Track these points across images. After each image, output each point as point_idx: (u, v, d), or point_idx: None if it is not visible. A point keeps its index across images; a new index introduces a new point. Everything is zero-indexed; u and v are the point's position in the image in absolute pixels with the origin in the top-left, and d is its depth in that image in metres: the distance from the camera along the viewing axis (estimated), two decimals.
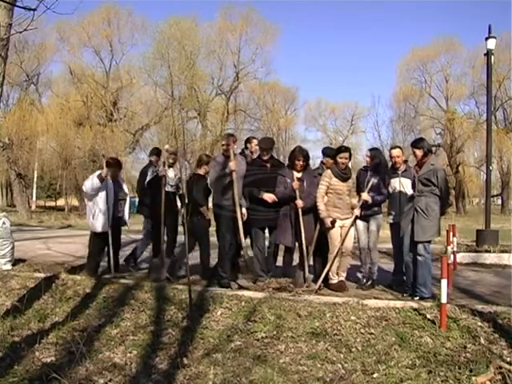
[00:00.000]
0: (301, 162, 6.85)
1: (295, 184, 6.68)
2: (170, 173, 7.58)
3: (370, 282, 6.94)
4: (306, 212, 6.76)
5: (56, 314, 5.27)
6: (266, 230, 7.18)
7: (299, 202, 6.66)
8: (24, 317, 5.16)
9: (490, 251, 10.65)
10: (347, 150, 6.83)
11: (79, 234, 16.90)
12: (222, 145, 6.95)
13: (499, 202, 46.39)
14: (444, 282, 4.87)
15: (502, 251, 10.66)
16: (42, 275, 6.74)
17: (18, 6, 4.59)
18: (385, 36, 79.60)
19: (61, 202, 47.18)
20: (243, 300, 5.57)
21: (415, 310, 5.22)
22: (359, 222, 6.92)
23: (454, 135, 38.96)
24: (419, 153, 6.22)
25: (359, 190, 6.85)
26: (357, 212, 6.64)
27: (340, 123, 52.92)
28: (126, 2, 49.49)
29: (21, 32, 4.60)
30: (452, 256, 8.28)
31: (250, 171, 7.08)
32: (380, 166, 6.91)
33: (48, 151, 35.24)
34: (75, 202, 40.79)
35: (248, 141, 7.74)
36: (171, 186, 7.56)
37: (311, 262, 6.99)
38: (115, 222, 7.37)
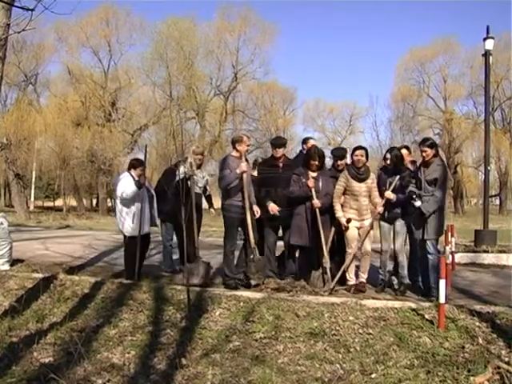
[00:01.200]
0: (316, 163, 6.81)
1: (310, 182, 6.65)
2: (199, 174, 7.56)
3: (402, 287, 6.69)
4: (322, 212, 6.72)
5: (54, 315, 5.26)
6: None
7: (316, 202, 6.63)
8: (22, 317, 5.15)
9: (488, 251, 10.66)
10: (361, 147, 6.82)
11: (77, 234, 16.93)
12: (248, 145, 6.97)
13: (497, 202, 46.48)
14: (442, 283, 4.87)
15: (500, 251, 10.68)
16: (40, 275, 6.73)
17: (16, 6, 4.60)
18: (383, 36, 79.74)
19: (59, 203, 47.08)
20: (242, 300, 5.57)
21: (413, 310, 5.22)
22: (384, 224, 6.79)
23: (452, 135, 39.06)
24: (431, 152, 6.23)
25: (380, 192, 6.69)
26: (379, 209, 6.56)
27: (338, 123, 52.98)
28: (125, 2, 49.41)
29: (19, 32, 4.60)
30: (450, 256, 8.29)
31: (261, 170, 7.22)
32: (400, 166, 6.77)
33: (46, 151, 35.16)
34: (73, 203, 40.76)
35: (305, 141, 7.79)
36: (199, 187, 7.54)
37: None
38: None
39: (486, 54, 12.87)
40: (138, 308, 5.43)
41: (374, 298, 6.01)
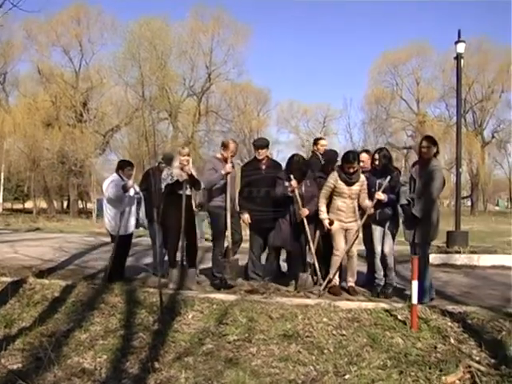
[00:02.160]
0: (297, 172, 6.66)
1: (294, 182, 6.49)
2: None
3: (390, 290, 6.66)
4: (309, 216, 6.67)
5: (23, 319, 5.16)
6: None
7: (304, 211, 6.55)
8: None
9: (459, 252, 10.85)
10: (355, 159, 6.56)
11: (47, 237, 16.68)
12: (233, 150, 7.08)
13: (469, 203, 47.43)
14: (415, 284, 4.92)
15: (472, 252, 10.89)
16: (9, 279, 6.61)
17: None
18: (357, 39, 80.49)
19: (29, 205, 46.44)
20: (215, 303, 5.55)
21: (386, 311, 5.27)
22: (375, 227, 6.71)
23: None
24: (432, 150, 6.11)
25: (369, 194, 6.62)
26: (369, 211, 6.46)
27: (312, 125, 53.50)
28: (96, 1, 48.89)
29: None
30: None
31: (244, 172, 7.25)
32: (389, 167, 6.72)
33: (15, 152, 34.65)
34: (43, 205, 40.16)
35: (315, 142, 7.83)
36: (187, 187, 7.40)
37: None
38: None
39: (458, 58, 13.11)
40: (110, 311, 5.37)
41: (347, 300, 6.05)
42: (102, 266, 8.21)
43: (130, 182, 7.22)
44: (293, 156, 6.96)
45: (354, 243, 6.69)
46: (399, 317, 5.06)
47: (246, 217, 7.04)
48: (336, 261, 6.63)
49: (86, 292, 6.06)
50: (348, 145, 45.72)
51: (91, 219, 30.45)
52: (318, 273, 6.67)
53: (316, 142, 7.80)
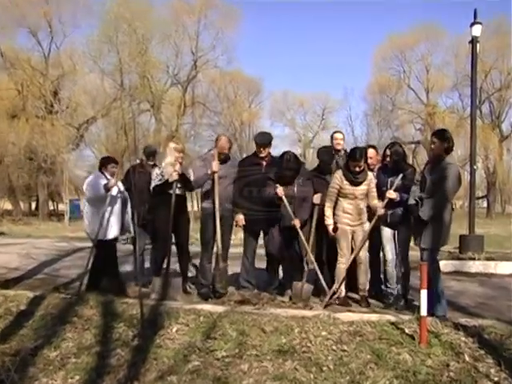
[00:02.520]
0: (288, 172, 6.70)
1: (279, 190, 6.58)
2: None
3: (402, 302, 6.73)
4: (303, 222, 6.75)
5: None
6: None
7: (296, 222, 6.60)
8: None
9: (474, 259, 10.89)
10: (361, 156, 6.53)
11: (13, 242, 16.60)
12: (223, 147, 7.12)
13: (484, 204, 47.46)
14: (424, 293, 4.92)
15: (488, 259, 10.89)
16: None
17: None
18: (359, 22, 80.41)
19: None
20: (202, 315, 5.54)
21: (392, 323, 5.27)
22: (386, 229, 6.74)
23: None
24: (441, 146, 6.06)
25: (379, 193, 6.64)
26: (380, 212, 6.46)
27: (309, 118, 53.54)
28: None
29: None
30: None
31: (242, 171, 7.14)
32: (402, 164, 6.72)
33: None
34: (8, 206, 39.96)
35: (332, 137, 7.90)
36: (179, 187, 7.19)
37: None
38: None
39: (473, 41, 13.09)
40: (84, 326, 5.35)
41: (349, 311, 6.05)
42: (75, 275, 8.20)
43: (113, 181, 7.16)
44: (283, 154, 6.93)
45: (362, 248, 6.71)
46: (407, 330, 5.05)
47: (241, 218, 7.02)
48: (341, 269, 6.64)
49: (56, 304, 6.03)
50: (349, 139, 45.84)
51: (63, 222, 30.37)
52: (324, 283, 6.68)
53: (332, 136, 7.87)
